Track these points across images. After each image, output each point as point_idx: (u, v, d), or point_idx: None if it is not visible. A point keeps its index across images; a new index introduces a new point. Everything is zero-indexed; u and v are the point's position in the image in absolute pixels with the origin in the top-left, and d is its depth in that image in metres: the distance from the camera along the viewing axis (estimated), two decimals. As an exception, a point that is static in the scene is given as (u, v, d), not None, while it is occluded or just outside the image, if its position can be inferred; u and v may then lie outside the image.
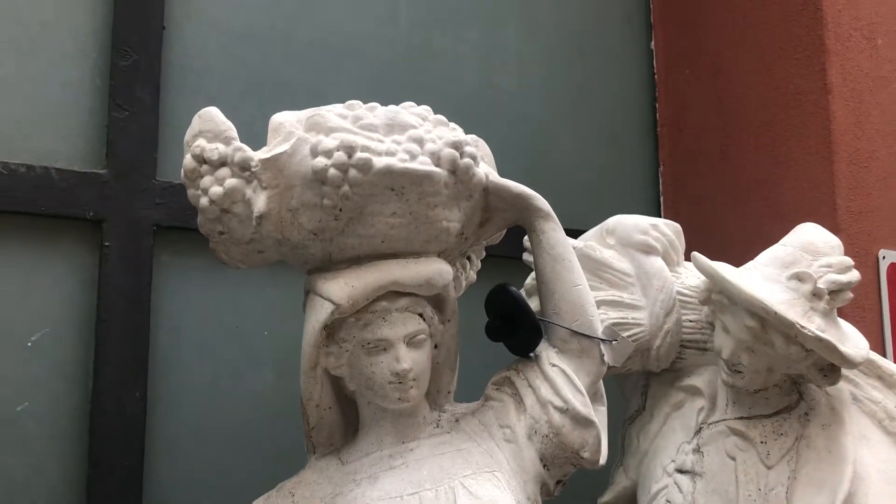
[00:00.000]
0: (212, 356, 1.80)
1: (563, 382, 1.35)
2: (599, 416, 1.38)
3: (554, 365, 1.36)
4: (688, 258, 1.75)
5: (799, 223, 1.66)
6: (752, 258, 1.62)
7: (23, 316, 1.65)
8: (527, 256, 1.78)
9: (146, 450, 1.68)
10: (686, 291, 1.70)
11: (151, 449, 1.69)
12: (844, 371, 1.55)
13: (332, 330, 1.30)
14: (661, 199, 2.54)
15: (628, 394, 1.83)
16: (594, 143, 2.43)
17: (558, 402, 1.34)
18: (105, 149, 1.75)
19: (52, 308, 1.67)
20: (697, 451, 1.63)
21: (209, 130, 1.26)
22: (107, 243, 1.70)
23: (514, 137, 2.28)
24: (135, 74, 1.77)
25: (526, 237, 1.76)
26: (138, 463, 1.66)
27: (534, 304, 1.52)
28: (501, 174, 1.52)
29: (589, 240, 1.76)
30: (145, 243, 1.74)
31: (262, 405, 1.81)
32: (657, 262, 1.70)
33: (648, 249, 1.70)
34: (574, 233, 1.78)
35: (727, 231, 2.38)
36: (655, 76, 2.58)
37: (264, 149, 1.27)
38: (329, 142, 1.21)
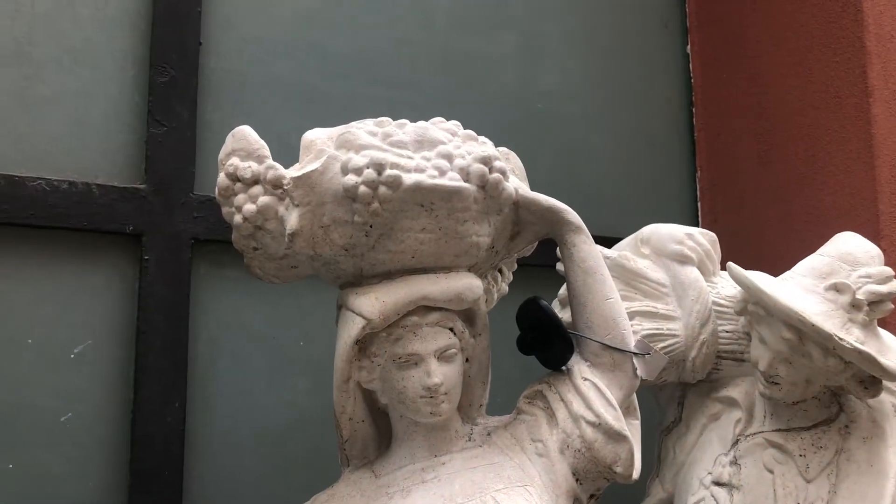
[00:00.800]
0: (248, 366, 1.83)
1: (595, 396, 1.34)
2: (633, 429, 1.37)
3: (586, 379, 1.36)
4: (724, 267, 1.73)
5: (839, 229, 1.63)
6: (791, 265, 1.59)
7: (66, 328, 1.69)
8: (560, 266, 1.77)
9: (185, 458, 1.71)
10: (722, 301, 1.68)
11: (190, 457, 1.72)
12: (886, 383, 1.52)
13: (363, 344, 1.31)
14: (699, 204, 2.52)
15: (664, 404, 1.81)
16: (630, 148, 2.42)
17: (590, 417, 1.33)
18: (144, 164, 1.78)
19: (94, 320, 1.71)
20: (734, 463, 1.62)
21: (242, 149, 1.28)
22: (146, 257, 1.74)
23: (550, 143, 2.27)
24: (172, 90, 1.80)
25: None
26: (178, 471, 1.69)
27: (566, 314, 1.52)
28: (537, 179, 1.52)
29: (623, 249, 1.75)
30: (184, 256, 1.77)
31: (299, 414, 1.83)
32: (692, 273, 1.68)
33: (684, 259, 1.69)
34: (610, 240, 1.77)
35: (766, 238, 2.34)
36: (692, 80, 2.56)
37: (296, 166, 1.29)
38: (359, 159, 1.22)
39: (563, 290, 1.70)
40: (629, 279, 1.69)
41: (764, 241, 2.34)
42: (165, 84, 1.80)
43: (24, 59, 1.71)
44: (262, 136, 1.32)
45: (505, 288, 1.56)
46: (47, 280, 1.68)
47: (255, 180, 1.27)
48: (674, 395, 1.78)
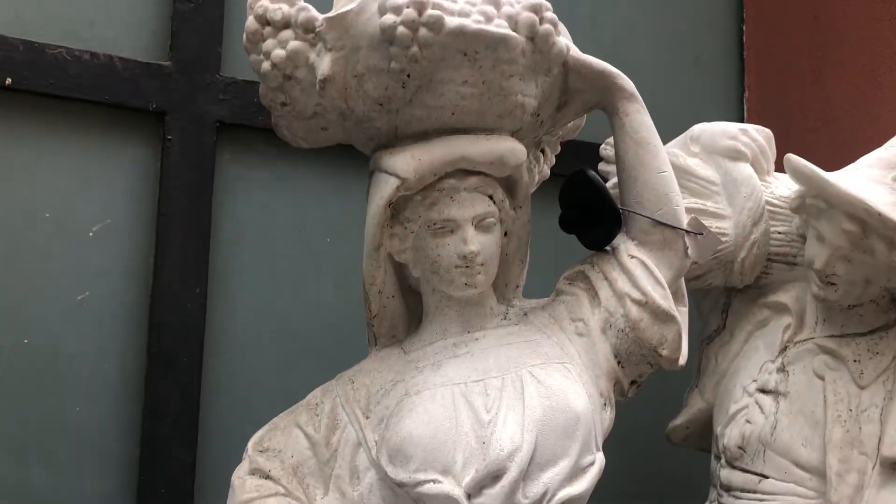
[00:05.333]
0: (273, 259, 1.75)
1: (642, 274, 1.25)
2: (681, 316, 1.28)
3: (633, 256, 1.27)
4: (778, 169, 1.63)
5: (898, 149, 1.52)
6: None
7: (84, 204, 1.62)
8: (602, 166, 1.67)
9: (205, 346, 1.65)
10: (776, 202, 1.59)
11: (210, 346, 1.66)
12: (952, 286, 1.42)
13: (396, 210, 1.23)
14: (746, 126, 2.40)
15: (707, 313, 1.72)
16: (675, 66, 2.30)
17: (636, 295, 1.24)
18: (169, 41, 1.70)
19: (113, 199, 1.64)
20: (782, 370, 1.53)
21: (273, -11, 1.19)
22: (169, 137, 1.66)
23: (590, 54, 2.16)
24: (201, -36, 1.71)
25: (602, 145, 1.67)
26: (197, 359, 1.63)
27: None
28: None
29: (672, 148, 1.65)
30: (208, 139, 1.69)
31: (323, 308, 1.76)
32: (746, 169, 1.59)
33: (737, 155, 1.60)
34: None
35: (818, 163, 2.22)
36: (743, -5, 2.43)
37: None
38: (399, -1, 1.12)
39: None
40: (677, 177, 1.55)
41: (816, 164, 2.23)
42: (194, -43, 1.71)
43: (47, -79, 1.62)
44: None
45: (546, 171, 1.47)
46: (65, 152, 1.61)
47: (286, 24, 1.18)
48: (718, 303, 1.70)
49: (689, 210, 1.54)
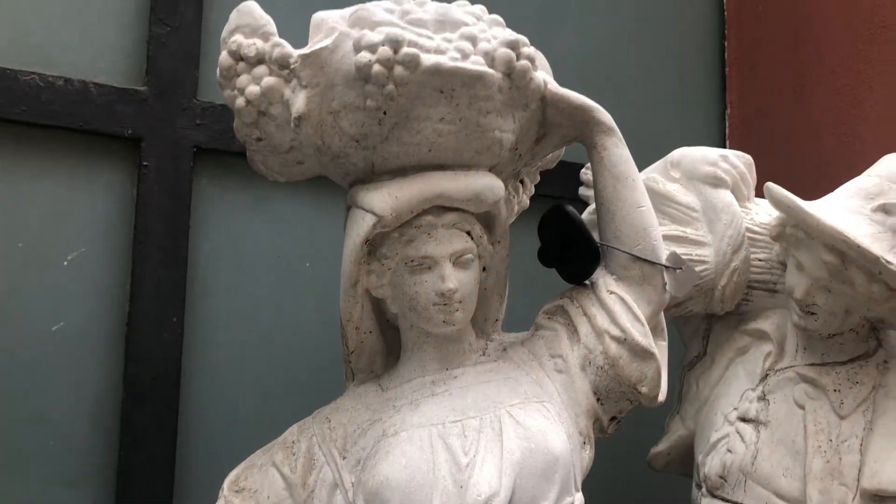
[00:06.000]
0: (251, 284, 1.74)
1: (621, 311, 1.24)
2: (660, 350, 1.27)
3: (612, 292, 1.26)
4: (758, 195, 1.63)
5: (878, 166, 1.51)
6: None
7: (59, 233, 1.59)
8: (583, 191, 1.67)
9: (182, 376, 1.63)
10: (756, 228, 1.58)
11: (187, 375, 1.64)
12: (930, 316, 1.42)
13: (373, 246, 1.21)
14: (727, 143, 2.40)
15: (688, 338, 1.72)
16: (656, 82, 2.30)
17: (615, 332, 1.23)
18: (145, 65, 1.68)
19: (89, 227, 1.62)
20: (763, 398, 1.52)
21: (247, 25, 1.17)
22: (145, 163, 1.64)
23: (571, 74, 2.14)
24: (177, -12, 1.69)
25: (583, 170, 1.66)
26: (174, 389, 1.61)
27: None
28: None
29: (651, 173, 1.65)
30: (184, 165, 1.67)
31: (303, 335, 1.74)
32: (726, 196, 1.58)
33: (717, 182, 1.59)
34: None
35: (799, 181, 2.21)
36: (725, 13, 2.42)
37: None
38: (374, 36, 1.11)
39: (586, 214, 1.60)
40: (657, 203, 1.58)
41: (797, 184, 2.22)
42: (170, -19, 1.69)
43: (20, -55, 1.60)
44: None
45: (526, 201, 1.46)
46: (39, 180, 1.58)
47: (260, 59, 1.16)
48: (699, 329, 1.69)
49: (668, 236, 1.54)
